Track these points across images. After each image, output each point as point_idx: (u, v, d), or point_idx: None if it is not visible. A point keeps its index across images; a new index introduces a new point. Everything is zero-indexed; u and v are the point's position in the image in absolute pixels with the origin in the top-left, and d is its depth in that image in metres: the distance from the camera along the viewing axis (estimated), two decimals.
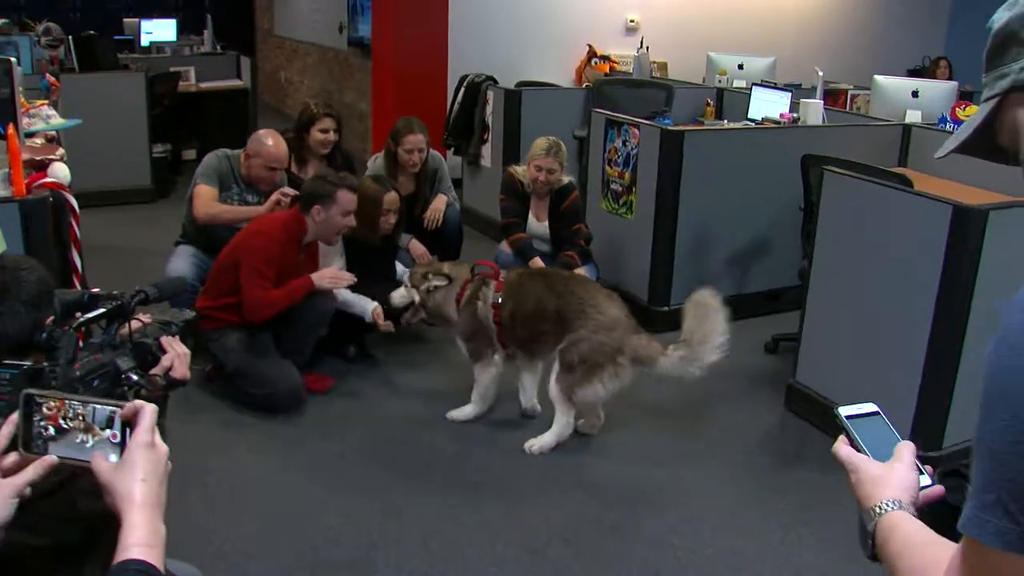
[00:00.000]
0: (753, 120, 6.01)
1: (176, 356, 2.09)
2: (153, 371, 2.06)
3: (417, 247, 4.91)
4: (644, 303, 5.10)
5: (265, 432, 3.80)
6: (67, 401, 1.30)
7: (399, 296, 3.95)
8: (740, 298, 5.18)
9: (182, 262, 4.46)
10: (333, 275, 4.05)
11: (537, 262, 4.82)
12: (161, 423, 2.11)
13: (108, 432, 1.28)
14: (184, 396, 4.01)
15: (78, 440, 1.29)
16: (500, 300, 3.76)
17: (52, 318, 1.85)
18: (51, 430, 1.30)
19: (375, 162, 5.09)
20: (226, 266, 3.98)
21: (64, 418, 1.29)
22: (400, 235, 4.63)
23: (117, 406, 1.29)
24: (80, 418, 1.29)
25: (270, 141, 4.45)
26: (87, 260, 3.98)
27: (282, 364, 3.99)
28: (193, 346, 2.20)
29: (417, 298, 3.88)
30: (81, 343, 1.96)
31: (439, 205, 5.06)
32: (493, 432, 3.84)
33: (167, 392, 2.11)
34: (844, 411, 1.29)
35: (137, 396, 2.05)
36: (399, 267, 4.68)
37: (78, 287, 3.57)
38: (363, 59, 9.25)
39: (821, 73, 5.98)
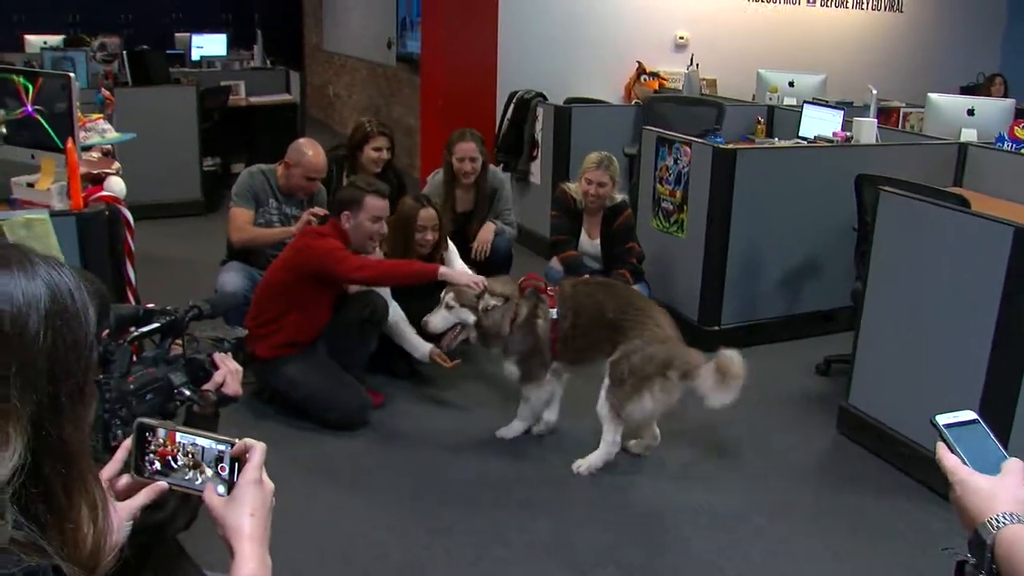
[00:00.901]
0: (805, 138, 5.96)
1: (228, 372, 2.11)
2: (205, 387, 2.09)
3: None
4: (694, 322, 5.08)
5: (314, 449, 3.82)
6: (177, 436, 1.34)
7: (440, 320, 3.75)
8: (791, 318, 5.21)
9: (235, 276, 4.47)
10: (470, 277, 3.84)
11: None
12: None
13: (217, 467, 1.33)
14: (233, 411, 4.05)
15: (187, 477, 1.33)
16: (559, 314, 3.71)
17: (107, 331, 1.87)
18: (157, 465, 1.34)
19: (435, 177, 5.11)
20: (278, 283, 3.96)
21: (173, 457, 1.33)
22: (441, 253, 4.47)
23: (228, 443, 1.33)
24: (189, 456, 1.33)
25: (310, 152, 4.49)
26: (139, 272, 4.05)
27: (348, 382, 4.02)
28: (243, 361, 2.23)
29: (472, 319, 3.71)
30: (135, 357, 2.00)
31: (486, 236, 4.99)
32: (542, 451, 3.84)
33: (219, 408, 2.13)
34: (942, 419, 1.23)
35: (189, 412, 2.08)
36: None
37: (131, 300, 3.62)
38: (411, 75, 9.33)
39: (875, 91, 5.91)
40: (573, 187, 4.97)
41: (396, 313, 4.29)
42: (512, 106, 7.05)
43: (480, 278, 3.81)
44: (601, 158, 4.81)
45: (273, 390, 4.11)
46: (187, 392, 2.00)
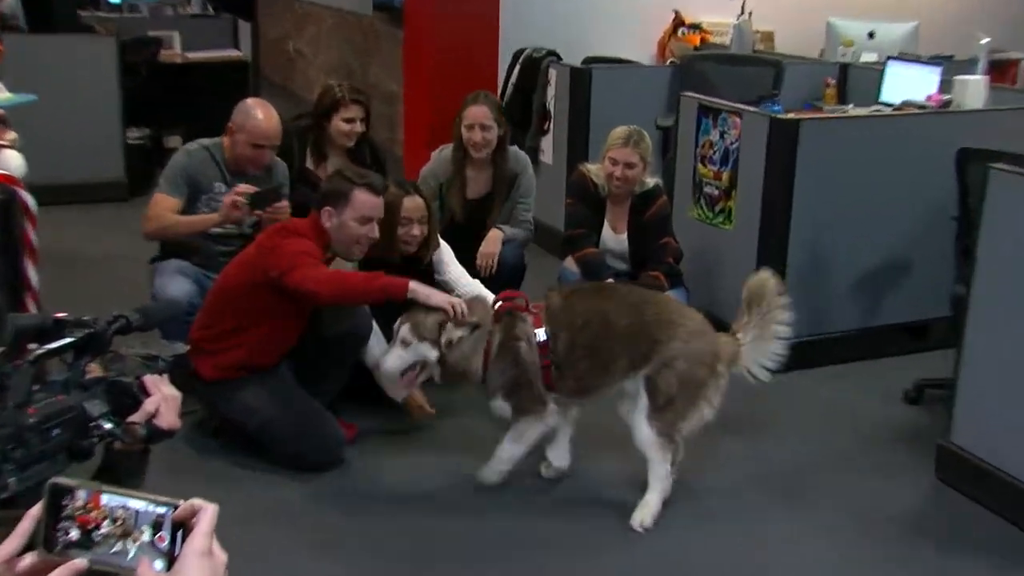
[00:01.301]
0: (888, 104, 5.90)
1: (162, 399, 2.03)
2: (132, 418, 2.01)
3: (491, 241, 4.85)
4: None
5: (271, 496, 3.76)
6: (103, 498, 1.27)
7: (395, 359, 3.63)
8: (871, 332, 5.18)
9: (178, 280, 4.33)
10: (444, 299, 3.73)
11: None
12: (135, 485, 2.05)
13: (155, 535, 1.27)
14: (168, 449, 3.97)
15: (115, 550, 1.26)
16: (548, 334, 3.63)
17: (1, 349, 1.79)
18: (75, 534, 1.26)
19: (441, 153, 5.05)
20: (238, 288, 3.90)
21: (97, 524, 1.26)
22: (431, 252, 4.42)
23: (169, 505, 1.29)
24: (119, 522, 1.26)
25: (259, 113, 4.43)
26: (43, 272, 3.97)
27: (317, 411, 3.98)
28: (182, 385, 2.15)
29: (433, 355, 3.59)
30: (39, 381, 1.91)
31: (491, 248, 4.91)
32: (554, 495, 3.81)
33: (149, 445, 2.05)
34: None
35: (109, 449, 2.00)
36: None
37: (31, 307, 3.55)
38: (392, 27, 9.27)
39: (985, 40, 5.83)
40: (594, 169, 4.92)
41: (378, 346, 4.15)
42: (518, 68, 7.00)
43: (457, 300, 3.72)
44: (629, 133, 4.76)
45: (221, 420, 4.06)
46: (107, 425, 1.94)
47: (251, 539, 3.42)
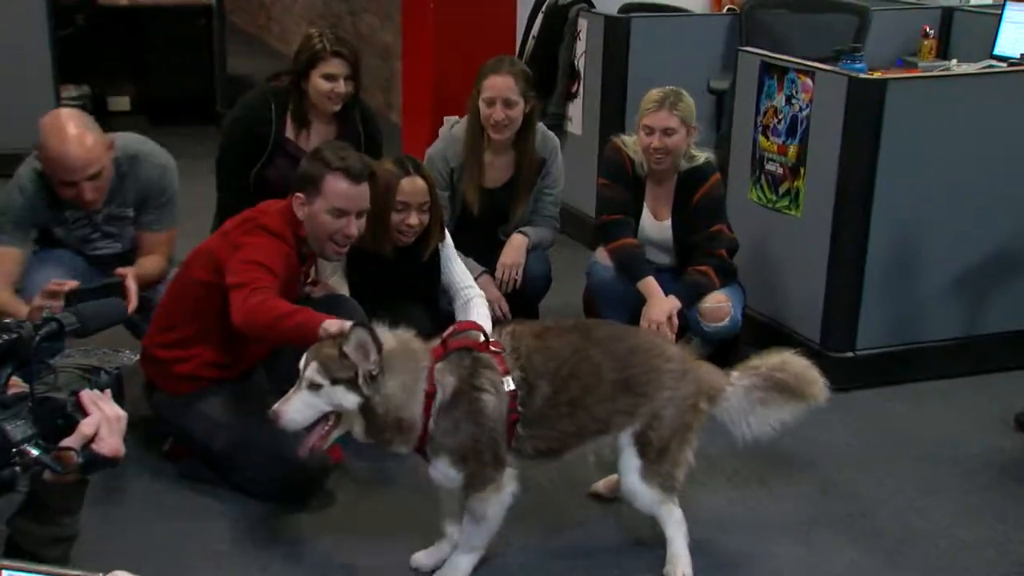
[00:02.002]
0: (1005, 59, 5.85)
1: (104, 420, 2.06)
2: (65, 442, 2.04)
3: (488, 288, 4.79)
4: (815, 346, 5.01)
5: (239, 530, 3.79)
6: None
7: (299, 408, 3.25)
8: (974, 342, 5.19)
9: (44, 270, 4.24)
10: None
11: (651, 286, 4.77)
12: (69, 524, 2.08)
13: None
14: (110, 476, 4.02)
15: None
16: (520, 382, 3.40)
17: None
18: None
19: (452, 129, 5.04)
20: (198, 285, 3.93)
21: None
22: (432, 246, 4.47)
23: None
24: None
25: (52, 139, 4.08)
26: None
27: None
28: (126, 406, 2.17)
29: (352, 401, 3.23)
30: None
31: (515, 258, 4.94)
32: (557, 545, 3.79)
33: (86, 474, 2.08)
34: None
35: (37, 479, 2.02)
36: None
37: None
38: None
39: None
40: (630, 142, 4.95)
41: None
42: (541, 17, 7.02)
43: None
44: (664, 94, 4.80)
45: (178, 438, 4.09)
46: (34, 451, 1.97)
47: None
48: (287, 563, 3.63)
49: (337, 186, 3.82)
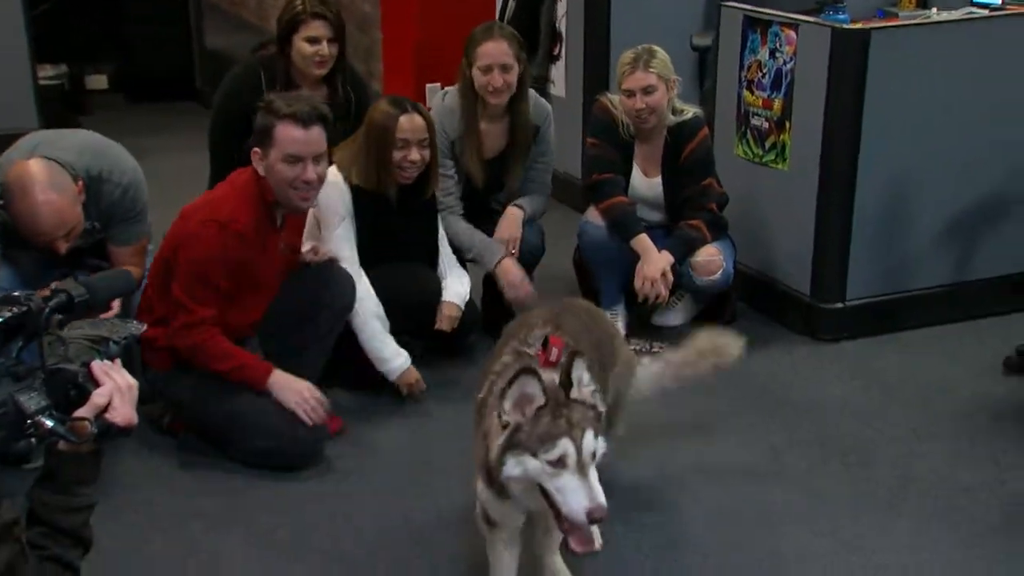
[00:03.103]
0: (986, 5, 5.82)
1: (116, 390, 2.06)
2: (79, 412, 2.03)
3: (511, 271, 4.80)
4: (806, 298, 5.07)
5: (235, 501, 3.80)
6: None
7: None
8: (963, 288, 5.21)
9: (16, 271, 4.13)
10: (303, 392, 3.94)
11: (644, 242, 4.77)
12: (86, 494, 2.08)
13: None
14: (115, 452, 4.01)
15: None
16: None
17: None
18: None
19: (444, 100, 5.00)
20: (163, 260, 3.97)
21: None
22: (434, 182, 4.52)
23: None
24: None
25: (20, 205, 3.81)
26: None
27: None
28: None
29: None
30: None
31: (513, 231, 4.92)
32: None
33: (101, 444, 2.08)
34: None
35: (52, 451, 2.02)
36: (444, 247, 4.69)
37: None
38: None
39: None
40: (617, 101, 4.94)
41: (369, 305, 4.29)
42: None
43: (315, 396, 3.94)
44: (636, 54, 4.80)
45: (176, 411, 4.10)
46: (48, 423, 1.97)
47: (214, 550, 3.51)
48: (289, 531, 3.64)
49: (288, 133, 3.82)
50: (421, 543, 3.56)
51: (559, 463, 2.49)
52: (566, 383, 2.60)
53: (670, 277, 4.73)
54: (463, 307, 4.52)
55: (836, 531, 3.62)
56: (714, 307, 5.13)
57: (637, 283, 4.75)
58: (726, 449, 4.14)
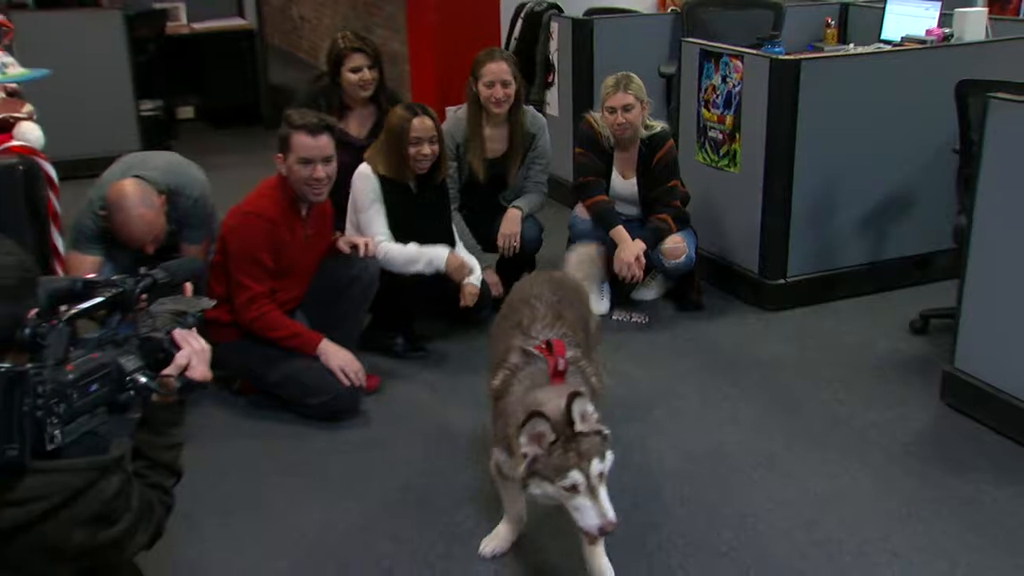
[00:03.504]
0: (889, 42, 5.86)
1: (193, 352, 2.11)
2: (166, 371, 2.08)
3: (491, 275, 4.85)
4: (754, 275, 5.07)
5: (294, 447, 3.84)
6: None
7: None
8: (877, 266, 5.21)
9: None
10: (347, 359, 3.99)
11: (621, 233, 4.79)
12: (175, 435, 2.13)
13: None
14: (188, 404, 4.07)
15: None
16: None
17: (36, 311, 1.85)
18: None
19: (457, 113, 5.02)
20: (220, 260, 4.04)
21: None
22: (444, 170, 4.55)
23: None
24: None
25: (118, 217, 3.84)
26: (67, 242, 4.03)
27: None
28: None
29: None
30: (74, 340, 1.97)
31: (512, 228, 4.90)
32: None
33: (183, 396, 2.13)
34: None
35: (147, 402, 2.07)
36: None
37: (59, 273, 3.60)
38: None
39: None
40: (599, 118, 4.95)
41: (399, 249, 4.37)
42: (521, 21, 6.99)
43: (356, 367, 3.97)
44: (617, 79, 4.81)
45: (243, 375, 4.15)
46: (143, 379, 2.00)
47: (280, 487, 3.55)
48: (340, 469, 3.68)
49: (300, 140, 3.90)
50: (444, 480, 3.57)
51: (572, 489, 2.49)
52: (570, 422, 2.50)
53: (643, 261, 4.76)
54: (479, 285, 4.55)
55: (775, 463, 3.65)
56: (682, 285, 5.15)
57: (616, 266, 4.77)
58: (688, 398, 4.16)
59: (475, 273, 4.54)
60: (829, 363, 4.45)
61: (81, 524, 1.79)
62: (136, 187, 3.82)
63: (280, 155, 3.95)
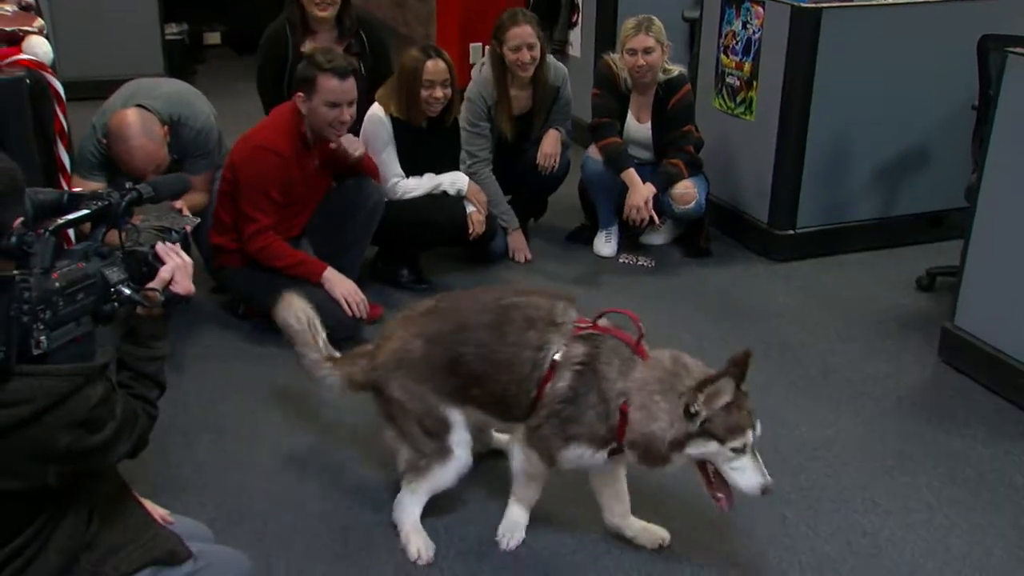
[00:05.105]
0: None
1: (177, 267, 2.11)
2: (150, 284, 2.09)
3: (519, 240, 4.94)
4: (763, 225, 5.05)
5: (294, 372, 3.76)
6: None
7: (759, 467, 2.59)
8: (889, 221, 5.17)
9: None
10: (350, 289, 3.99)
11: (631, 175, 4.76)
12: (160, 348, 2.15)
13: None
14: (192, 326, 4.11)
15: None
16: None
17: (22, 219, 1.87)
18: None
19: (481, 72, 4.97)
20: (226, 180, 4.04)
21: None
22: (455, 112, 4.57)
23: None
24: None
25: (119, 146, 3.79)
26: None
27: None
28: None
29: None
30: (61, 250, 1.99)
31: (552, 148, 4.95)
32: None
33: (167, 309, 2.14)
34: None
35: (132, 314, 2.09)
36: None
37: (66, 188, 3.62)
38: None
39: None
40: (618, 59, 4.89)
41: (412, 181, 4.44)
42: None
43: (358, 298, 3.98)
44: (639, 21, 4.75)
45: (248, 300, 4.18)
46: (127, 291, 2.01)
47: (279, 408, 3.60)
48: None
49: (328, 83, 3.87)
50: None
51: (740, 450, 2.49)
52: (740, 379, 2.52)
53: (650, 204, 4.74)
54: (484, 215, 4.59)
55: (770, 408, 3.58)
56: (692, 231, 5.14)
57: (625, 209, 4.76)
58: (684, 342, 4.09)
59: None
60: (831, 315, 4.43)
61: (66, 428, 1.82)
62: (138, 117, 3.78)
63: (301, 93, 3.92)
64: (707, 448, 2.52)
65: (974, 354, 3.87)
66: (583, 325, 2.72)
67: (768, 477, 2.52)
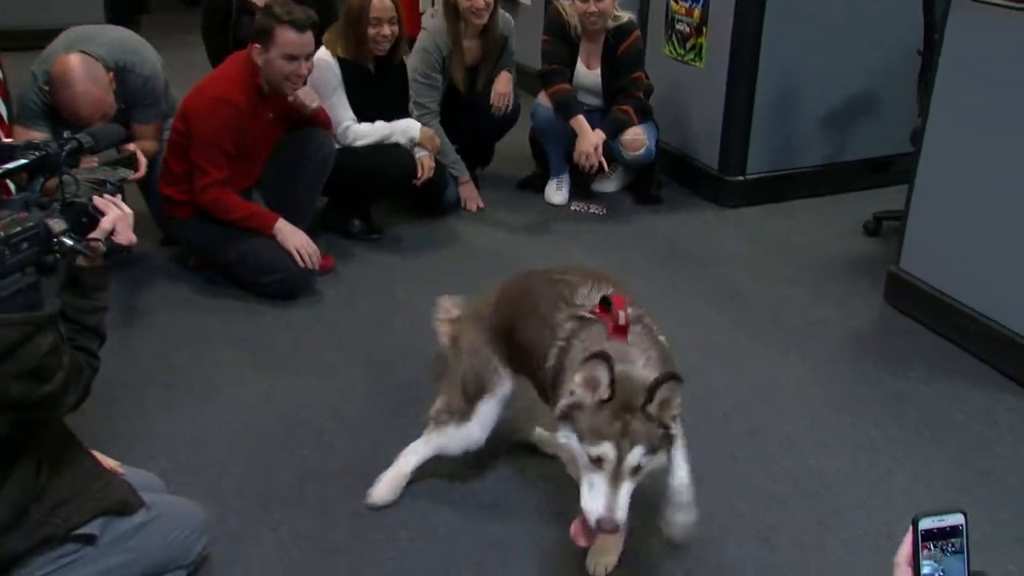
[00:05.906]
0: None
1: (118, 217, 2.09)
2: (92, 235, 2.07)
3: (470, 190, 4.96)
4: (714, 171, 5.07)
5: (245, 323, 3.85)
6: None
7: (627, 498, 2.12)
8: (836, 167, 5.20)
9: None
10: (302, 240, 3.96)
11: (580, 122, 4.74)
12: (102, 298, 2.13)
13: None
14: (142, 279, 4.07)
15: None
16: None
17: None
18: None
19: (434, 20, 4.92)
20: (176, 132, 3.97)
21: None
22: (402, 51, 4.54)
23: None
24: None
25: (62, 94, 3.67)
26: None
27: None
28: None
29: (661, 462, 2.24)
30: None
31: (506, 88, 4.98)
32: None
33: (109, 260, 2.12)
34: (923, 523, 1.26)
35: (73, 265, 2.07)
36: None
37: (2, 138, 3.55)
38: None
39: None
40: (568, 6, 4.85)
41: (365, 127, 4.41)
42: None
43: (310, 249, 3.95)
44: None
45: (198, 252, 4.15)
46: (69, 242, 1.99)
47: (230, 361, 3.57)
48: (288, 346, 3.70)
49: (286, 36, 3.81)
50: (392, 359, 3.59)
51: (596, 461, 2.07)
52: (647, 399, 2.07)
53: (600, 151, 4.73)
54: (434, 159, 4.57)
55: (720, 353, 3.70)
56: (642, 178, 5.15)
57: (575, 156, 4.75)
58: (640, 290, 4.12)
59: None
60: (779, 260, 4.48)
61: (17, 378, 1.81)
62: (82, 62, 3.68)
63: (257, 45, 3.85)
64: (571, 443, 2.14)
65: (918, 296, 3.91)
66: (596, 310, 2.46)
67: (619, 515, 2.05)
